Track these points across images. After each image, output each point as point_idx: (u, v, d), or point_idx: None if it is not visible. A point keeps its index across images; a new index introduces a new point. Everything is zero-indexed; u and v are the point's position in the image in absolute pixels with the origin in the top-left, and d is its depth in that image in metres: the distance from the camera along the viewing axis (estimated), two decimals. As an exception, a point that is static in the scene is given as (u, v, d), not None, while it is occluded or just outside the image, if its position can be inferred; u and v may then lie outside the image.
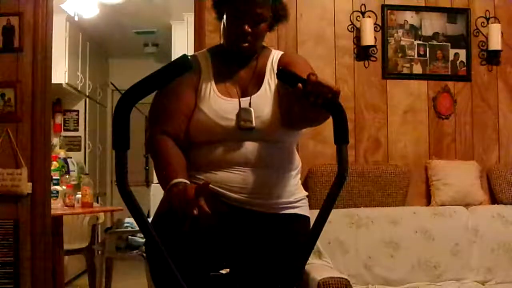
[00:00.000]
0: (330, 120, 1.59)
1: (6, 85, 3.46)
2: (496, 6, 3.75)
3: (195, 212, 1.59)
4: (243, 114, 1.83)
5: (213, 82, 1.89)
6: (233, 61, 1.94)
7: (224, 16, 1.88)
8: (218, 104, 1.85)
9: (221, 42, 1.99)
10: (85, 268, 4.88)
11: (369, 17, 3.61)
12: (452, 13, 3.72)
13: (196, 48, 3.42)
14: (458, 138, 3.70)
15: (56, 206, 4.08)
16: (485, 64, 3.75)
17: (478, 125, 3.72)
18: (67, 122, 6.54)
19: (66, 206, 4.30)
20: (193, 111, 1.86)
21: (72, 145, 6.48)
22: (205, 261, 1.75)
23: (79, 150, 6.49)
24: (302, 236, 1.77)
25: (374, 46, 3.61)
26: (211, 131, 1.83)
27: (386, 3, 3.67)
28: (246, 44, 1.86)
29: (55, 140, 6.10)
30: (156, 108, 1.89)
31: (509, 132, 3.74)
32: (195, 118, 1.85)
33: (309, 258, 1.72)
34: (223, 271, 1.91)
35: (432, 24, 3.70)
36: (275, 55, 1.98)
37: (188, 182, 1.71)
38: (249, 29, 1.84)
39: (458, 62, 3.72)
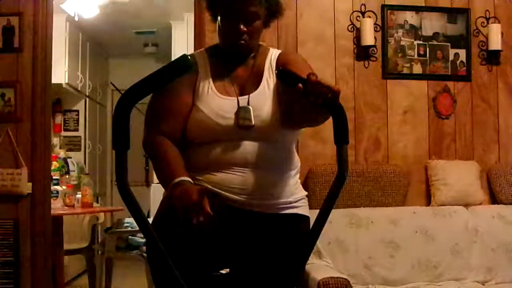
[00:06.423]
0: (330, 120, 1.59)
1: (6, 85, 3.46)
2: (496, 6, 3.75)
3: (201, 218, 1.60)
4: (242, 112, 1.82)
5: (211, 81, 1.88)
6: (231, 59, 1.93)
7: (219, 17, 1.88)
8: (217, 102, 1.84)
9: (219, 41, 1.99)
10: (85, 268, 4.89)
11: (369, 17, 3.61)
12: (452, 13, 3.72)
13: (196, 48, 3.43)
14: (458, 138, 3.70)
15: (56, 206, 4.08)
16: (485, 64, 3.75)
17: (478, 125, 3.72)
18: (67, 122, 6.54)
19: (66, 206, 4.30)
20: (190, 110, 1.86)
21: (72, 145, 6.48)
22: (205, 261, 1.75)
23: (79, 150, 6.49)
24: (302, 236, 1.77)
25: (374, 46, 3.61)
26: (210, 130, 1.82)
27: (386, 3, 3.67)
28: (242, 42, 1.86)
29: (55, 140, 6.11)
30: (153, 108, 1.89)
31: (509, 132, 3.74)
32: (193, 117, 1.85)
33: (309, 258, 1.71)
34: (223, 271, 1.91)
35: (432, 24, 3.70)
36: (273, 53, 1.97)
37: (191, 180, 1.72)
38: (244, 28, 1.83)
39: (458, 62, 3.72)
